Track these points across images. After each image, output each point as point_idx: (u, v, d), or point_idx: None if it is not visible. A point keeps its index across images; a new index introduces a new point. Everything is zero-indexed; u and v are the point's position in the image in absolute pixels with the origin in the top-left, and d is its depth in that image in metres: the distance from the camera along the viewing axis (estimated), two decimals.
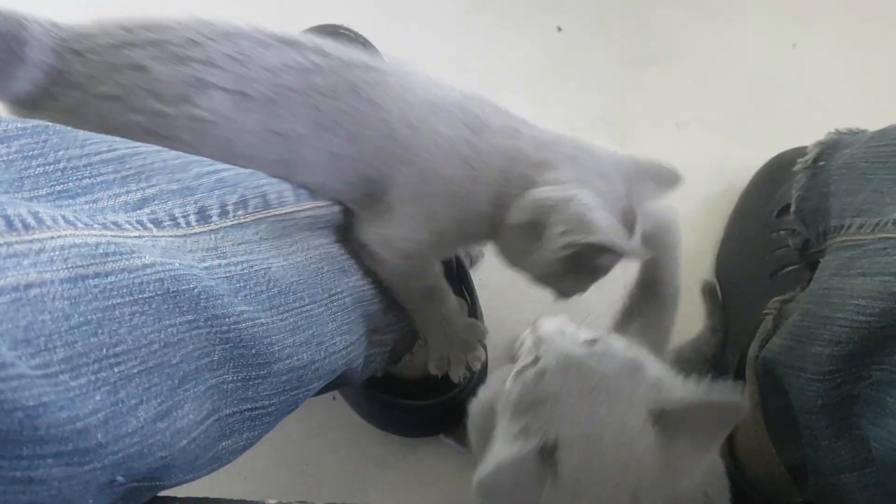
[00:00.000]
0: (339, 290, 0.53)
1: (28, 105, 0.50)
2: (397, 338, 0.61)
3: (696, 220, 0.80)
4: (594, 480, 0.39)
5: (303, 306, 0.49)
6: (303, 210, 0.52)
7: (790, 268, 0.65)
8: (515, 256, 0.54)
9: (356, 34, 0.77)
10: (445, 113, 0.53)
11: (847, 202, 0.55)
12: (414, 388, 0.63)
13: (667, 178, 0.54)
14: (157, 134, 0.49)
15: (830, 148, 0.62)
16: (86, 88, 0.49)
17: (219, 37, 0.50)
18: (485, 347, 0.63)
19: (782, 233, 0.68)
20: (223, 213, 0.46)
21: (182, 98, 0.49)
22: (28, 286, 0.32)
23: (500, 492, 0.39)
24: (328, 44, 0.53)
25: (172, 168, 0.44)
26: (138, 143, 0.44)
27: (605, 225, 0.48)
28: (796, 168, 0.64)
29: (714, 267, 0.77)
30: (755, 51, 0.90)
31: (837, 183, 0.58)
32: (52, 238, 0.34)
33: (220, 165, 0.48)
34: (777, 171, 0.73)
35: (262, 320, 0.45)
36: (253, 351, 0.44)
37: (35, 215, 0.34)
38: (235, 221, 0.47)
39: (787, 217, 0.68)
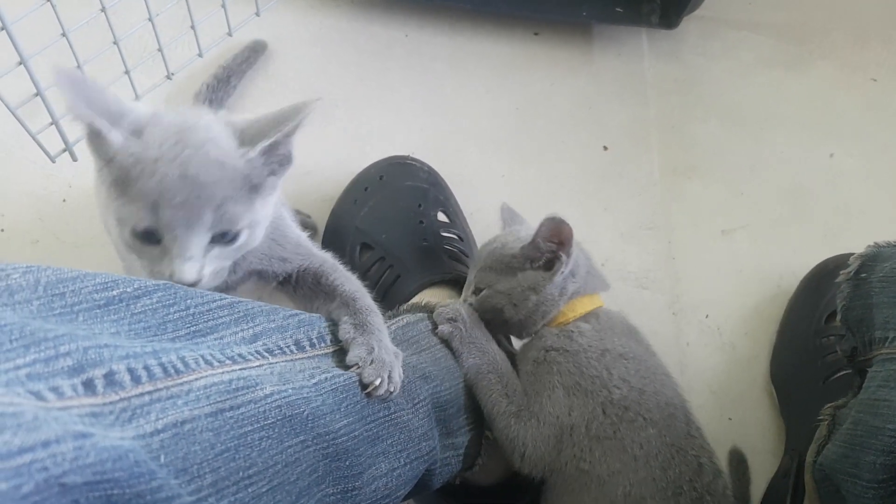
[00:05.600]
0: (421, 397, 0.58)
1: None
2: (468, 440, 0.65)
3: (748, 325, 0.83)
4: None
5: (389, 415, 0.55)
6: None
7: (841, 373, 0.68)
8: None
9: (422, 162, 0.85)
10: None
11: (889, 315, 0.59)
12: (491, 494, 0.66)
13: None
14: None
15: (871, 260, 0.66)
16: None
17: None
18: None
19: (831, 338, 0.72)
20: (312, 345, 0.54)
21: None
22: (183, 422, 0.38)
23: None
24: None
25: (267, 312, 0.52)
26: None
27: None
28: (839, 279, 0.67)
29: (769, 372, 0.80)
30: (792, 161, 0.95)
31: (878, 295, 0.61)
32: (196, 379, 0.41)
33: (298, 311, 0.55)
34: (822, 279, 0.77)
35: (356, 433, 0.51)
36: (347, 463, 0.50)
37: (183, 360, 0.41)
38: (323, 351, 0.54)
39: (834, 322, 0.71)
